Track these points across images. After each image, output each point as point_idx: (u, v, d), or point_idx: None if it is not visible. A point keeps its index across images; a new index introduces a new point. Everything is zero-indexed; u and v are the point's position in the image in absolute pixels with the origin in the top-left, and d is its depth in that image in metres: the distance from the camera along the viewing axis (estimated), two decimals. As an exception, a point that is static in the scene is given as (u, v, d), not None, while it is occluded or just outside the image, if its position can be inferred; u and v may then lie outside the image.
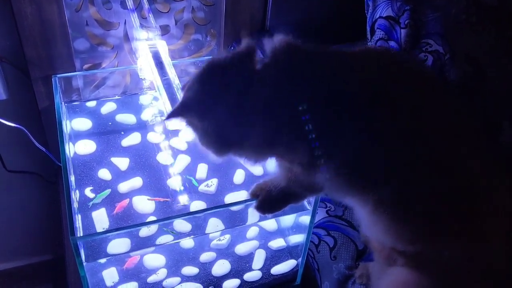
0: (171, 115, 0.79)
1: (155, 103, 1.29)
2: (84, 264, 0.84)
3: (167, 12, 1.14)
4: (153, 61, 1.06)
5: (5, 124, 1.14)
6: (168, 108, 0.96)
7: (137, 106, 1.27)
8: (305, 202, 1.00)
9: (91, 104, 1.25)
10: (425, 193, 0.78)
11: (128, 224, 1.04)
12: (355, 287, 1.06)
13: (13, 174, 1.29)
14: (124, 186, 1.10)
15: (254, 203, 0.90)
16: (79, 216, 1.02)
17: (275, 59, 0.76)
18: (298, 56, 0.77)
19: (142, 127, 1.23)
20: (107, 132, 1.21)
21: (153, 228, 0.97)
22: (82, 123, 1.20)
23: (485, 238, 0.81)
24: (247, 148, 0.80)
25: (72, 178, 1.06)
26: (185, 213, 0.95)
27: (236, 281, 1.06)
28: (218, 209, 0.94)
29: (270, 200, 0.89)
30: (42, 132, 1.20)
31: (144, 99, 1.29)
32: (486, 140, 0.89)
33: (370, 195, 0.80)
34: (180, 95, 0.98)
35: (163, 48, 1.09)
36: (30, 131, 1.15)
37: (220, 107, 0.76)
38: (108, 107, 1.25)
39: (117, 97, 1.27)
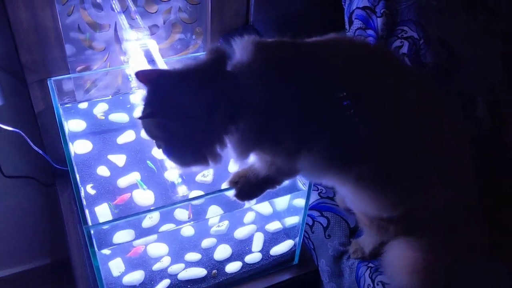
0: (144, 116, 0.79)
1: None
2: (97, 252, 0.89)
3: (155, 12, 1.19)
4: (146, 59, 1.11)
5: (2, 129, 1.17)
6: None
7: (128, 105, 1.31)
8: (300, 184, 1.06)
9: (84, 105, 1.28)
10: (401, 162, 0.86)
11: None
12: (349, 262, 1.12)
13: (10, 180, 1.32)
14: (123, 181, 1.14)
15: (233, 191, 0.93)
16: (87, 210, 1.06)
17: (246, 59, 0.79)
18: (266, 53, 0.80)
19: (135, 125, 1.28)
20: (101, 132, 1.25)
21: (155, 219, 1.02)
22: (77, 124, 1.24)
23: (457, 182, 0.91)
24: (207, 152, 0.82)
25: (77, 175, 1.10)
26: (186, 199, 1.00)
27: (238, 264, 1.11)
28: (215, 194, 0.97)
29: (249, 188, 0.93)
30: (39, 135, 1.23)
31: (134, 98, 1.33)
32: (455, 114, 0.97)
33: (351, 173, 0.87)
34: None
35: (154, 47, 1.14)
36: (27, 134, 1.18)
37: (192, 111, 0.77)
38: (100, 108, 1.29)
39: (108, 98, 1.31)
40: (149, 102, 0.80)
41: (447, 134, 0.90)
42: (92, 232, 0.86)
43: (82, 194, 1.10)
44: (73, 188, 0.93)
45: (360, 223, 1.07)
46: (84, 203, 1.06)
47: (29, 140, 1.18)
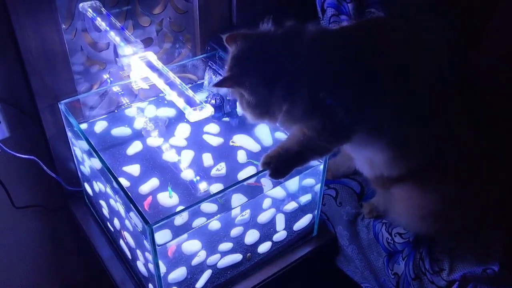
0: (219, 84, 0.95)
1: (141, 113, 1.38)
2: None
3: (149, 25, 1.26)
4: (150, 70, 1.17)
5: (12, 160, 1.19)
6: (182, 104, 1.08)
7: (126, 119, 1.36)
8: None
9: (84, 126, 1.32)
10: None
11: (161, 218, 1.16)
12: (365, 222, 1.25)
13: (20, 210, 1.33)
14: (145, 188, 1.20)
15: (267, 172, 1.03)
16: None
17: (311, 41, 0.93)
18: (331, 36, 0.98)
19: (139, 135, 1.33)
20: (109, 147, 1.29)
21: (185, 216, 1.09)
22: (84, 144, 1.28)
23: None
24: (280, 118, 0.96)
25: (102, 188, 1.14)
26: (217, 192, 1.07)
27: (268, 244, 1.21)
28: (239, 185, 1.06)
29: (282, 165, 1.03)
30: (51, 160, 1.26)
31: (130, 112, 1.38)
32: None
33: (386, 139, 1.01)
34: (188, 92, 1.11)
35: (153, 57, 1.21)
36: (41, 160, 1.21)
37: (262, 80, 0.91)
38: (99, 126, 1.33)
39: (103, 116, 1.35)
40: (234, 63, 0.95)
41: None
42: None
43: (106, 207, 1.15)
44: (115, 192, 0.97)
45: (374, 185, 1.19)
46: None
47: (43, 166, 1.21)
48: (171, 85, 1.13)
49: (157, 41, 1.29)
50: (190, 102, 1.08)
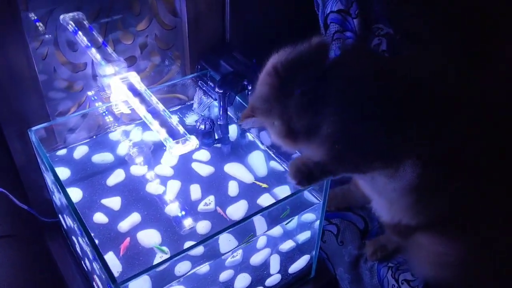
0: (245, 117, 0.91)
1: (127, 138, 1.27)
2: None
3: (131, 43, 1.13)
4: (131, 94, 1.05)
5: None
6: (164, 135, 0.96)
7: (110, 144, 1.25)
8: (311, 196, 1.04)
9: (62, 152, 1.20)
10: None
11: (140, 261, 1.04)
12: (368, 265, 1.12)
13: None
14: (124, 225, 1.08)
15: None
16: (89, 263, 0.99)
17: (342, 61, 0.87)
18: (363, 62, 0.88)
19: (122, 162, 1.21)
20: (88, 176, 1.18)
21: (167, 256, 0.97)
22: (61, 172, 1.16)
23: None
24: (311, 143, 0.87)
25: (74, 225, 1.03)
26: (205, 239, 0.94)
27: (260, 289, 1.08)
28: (232, 228, 0.94)
29: (309, 176, 0.92)
30: (22, 190, 1.14)
31: (114, 136, 1.27)
32: None
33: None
34: (170, 120, 0.99)
35: (135, 79, 1.09)
36: (12, 190, 1.09)
37: (288, 107, 0.85)
38: (80, 151, 1.21)
39: (85, 141, 1.23)
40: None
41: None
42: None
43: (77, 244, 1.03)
44: (77, 240, 0.85)
45: (391, 233, 1.06)
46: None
47: (13, 198, 1.09)
48: (153, 112, 1.01)
49: (142, 59, 1.17)
50: (173, 133, 0.96)
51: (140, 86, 1.07)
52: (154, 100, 1.04)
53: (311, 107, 0.84)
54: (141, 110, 1.02)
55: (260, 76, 0.89)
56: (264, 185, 1.17)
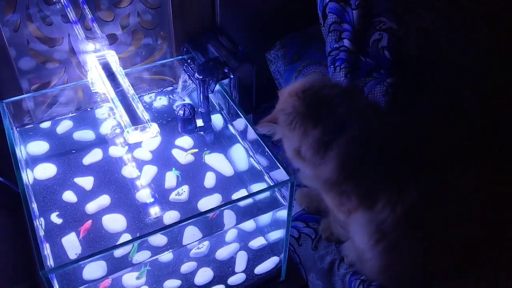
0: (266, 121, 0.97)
1: (112, 116, 1.24)
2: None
3: (112, 20, 1.09)
4: (104, 73, 1.01)
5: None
6: (125, 119, 0.92)
7: (94, 121, 1.22)
8: (280, 198, 0.98)
9: (46, 125, 1.19)
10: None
11: (101, 246, 1.01)
12: (340, 272, 1.05)
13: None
14: (92, 206, 1.06)
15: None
16: (47, 245, 0.97)
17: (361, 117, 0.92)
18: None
19: (103, 142, 1.19)
20: (66, 152, 1.16)
21: (128, 247, 0.94)
22: (38, 147, 1.15)
23: None
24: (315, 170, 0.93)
25: (35, 206, 1.01)
26: (162, 228, 0.90)
27: (220, 287, 1.04)
28: (195, 218, 0.90)
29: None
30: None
31: (100, 112, 1.24)
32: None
33: None
34: (136, 105, 0.94)
35: (113, 58, 1.05)
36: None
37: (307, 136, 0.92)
38: (64, 126, 1.20)
39: (72, 114, 1.21)
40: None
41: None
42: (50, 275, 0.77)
43: (43, 224, 1.01)
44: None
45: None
46: (42, 234, 0.97)
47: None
48: (120, 95, 0.97)
49: (123, 38, 1.12)
50: (134, 119, 0.92)
51: (116, 67, 1.03)
52: (126, 83, 1.00)
53: (325, 149, 0.90)
54: (110, 92, 0.98)
55: (290, 91, 0.95)
56: (194, 150, 1.16)
